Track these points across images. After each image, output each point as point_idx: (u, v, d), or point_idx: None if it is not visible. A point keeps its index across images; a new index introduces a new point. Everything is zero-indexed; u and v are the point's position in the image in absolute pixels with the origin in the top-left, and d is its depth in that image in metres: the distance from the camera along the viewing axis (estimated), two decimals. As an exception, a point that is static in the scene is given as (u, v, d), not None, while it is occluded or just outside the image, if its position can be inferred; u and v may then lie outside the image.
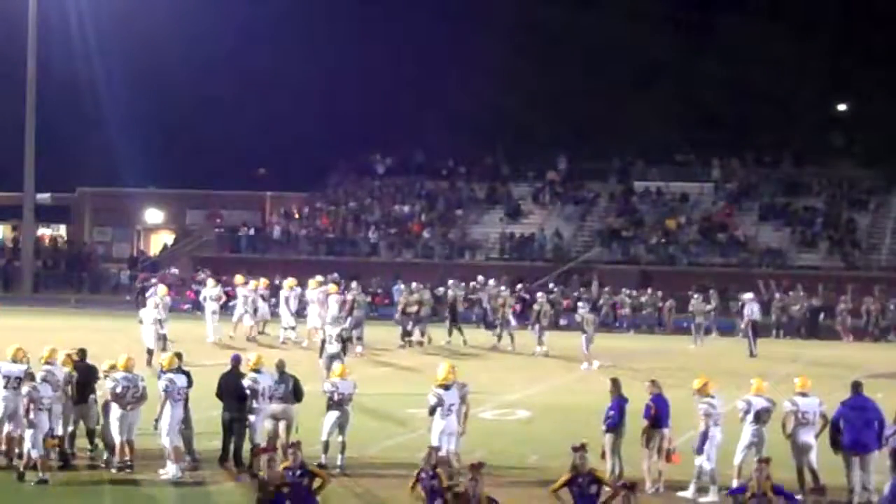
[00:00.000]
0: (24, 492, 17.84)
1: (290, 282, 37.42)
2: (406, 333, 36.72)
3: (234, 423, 19.17)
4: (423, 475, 14.13)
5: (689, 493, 17.95)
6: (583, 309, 34.05)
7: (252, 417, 19.03)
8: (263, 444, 18.55)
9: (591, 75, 68.80)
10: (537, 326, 35.90)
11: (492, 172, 63.38)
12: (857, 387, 18.20)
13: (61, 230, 70.28)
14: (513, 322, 37.34)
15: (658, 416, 18.41)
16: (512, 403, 25.47)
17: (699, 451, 17.90)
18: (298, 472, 13.96)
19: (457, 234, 57.93)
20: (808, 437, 18.04)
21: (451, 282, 41.77)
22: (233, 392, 19.35)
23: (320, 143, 65.22)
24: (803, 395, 18.31)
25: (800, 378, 18.80)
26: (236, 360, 20.09)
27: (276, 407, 19.19)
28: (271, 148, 69.20)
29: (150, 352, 30.19)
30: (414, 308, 36.77)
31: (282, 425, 19.10)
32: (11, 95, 57.32)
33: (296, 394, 19.30)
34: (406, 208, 60.95)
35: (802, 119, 66.93)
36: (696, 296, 41.99)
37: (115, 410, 18.80)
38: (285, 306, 36.45)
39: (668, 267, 53.69)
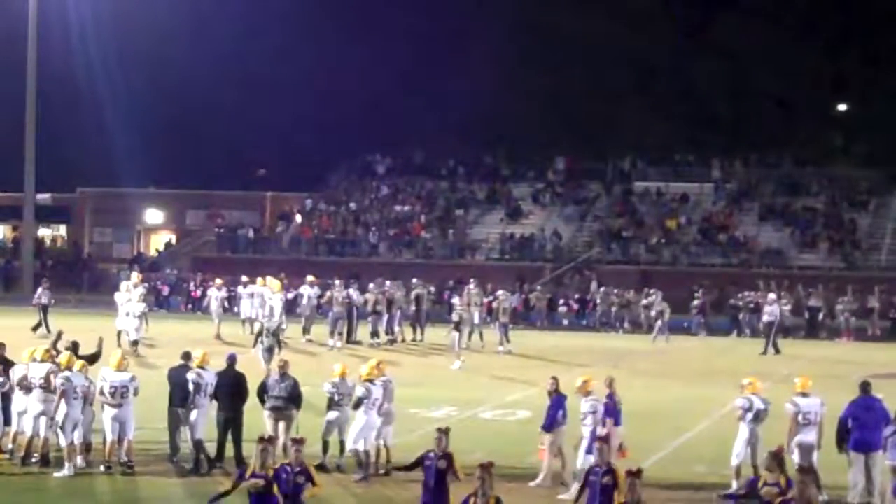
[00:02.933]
0: (21, 491, 17.82)
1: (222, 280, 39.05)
2: (375, 333, 37.21)
3: (231, 423, 19.18)
4: (430, 455, 14.24)
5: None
6: (460, 307, 34.31)
7: (193, 413, 19.00)
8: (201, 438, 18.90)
9: (592, 75, 68.89)
10: (497, 324, 36.24)
11: (492, 173, 63.37)
12: (865, 387, 18.14)
13: (61, 230, 70.28)
14: (476, 320, 37.60)
15: (613, 415, 18.57)
16: (512, 404, 25.46)
17: (589, 450, 17.66)
18: (297, 470, 13.90)
19: (457, 234, 57.90)
20: (809, 437, 18.01)
21: (414, 280, 41.96)
22: (228, 391, 19.35)
23: (320, 144, 65.26)
24: (804, 395, 18.28)
25: (800, 378, 18.74)
26: (232, 360, 20.13)
27: (277, 405, 19.16)
28: (271, 148, 69.24)
29: (134, 343, 32.23)
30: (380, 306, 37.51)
31: (281, 425, 19.07)
32: (11, 96, 57.31)
33: (294, 398, 19.24)
34: (406, 208, 60.93)
35: (802, 119, 66.99)
36: (654, 292, 42.30)
37: (108, 410, 18.78)
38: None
39: (668, 267, 53.66)
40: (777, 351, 37.56)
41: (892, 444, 16.75)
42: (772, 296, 39.88)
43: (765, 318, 38.67)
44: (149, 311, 35.50)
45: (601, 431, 18.20)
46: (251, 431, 19.15)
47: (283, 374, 19.43)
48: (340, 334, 35.91)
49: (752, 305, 44.47)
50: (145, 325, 33.87)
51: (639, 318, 45.04)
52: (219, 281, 39.42)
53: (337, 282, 38.02)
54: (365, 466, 18.57)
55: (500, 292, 38.93)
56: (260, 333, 29.07)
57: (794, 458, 17.76)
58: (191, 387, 19.02)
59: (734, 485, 17.69)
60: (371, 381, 18.78)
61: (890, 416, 17.56)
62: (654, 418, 24.12)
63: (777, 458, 13.94)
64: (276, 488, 13.35)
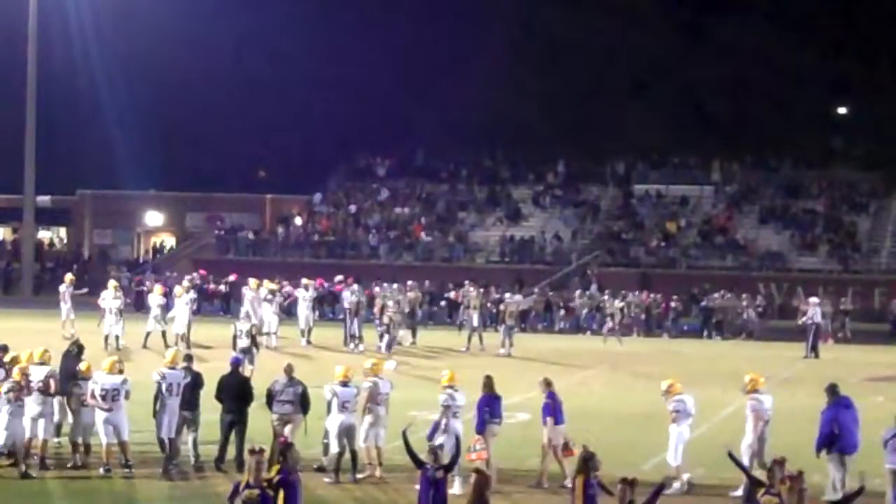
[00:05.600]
0: (20, 493, 17.82)
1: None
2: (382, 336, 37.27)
3: (234, 425, 19.21)
4: (427, 467, 14.24)
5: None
6: (392, 310, 34.37)
7: (160, 411, 19.10)
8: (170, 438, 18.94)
9: (591, 78, 68.89)
10: (503, 327, 36.35)
11: (492, 175, 63.33)
12: (835, 388, 18.27)
13: (61, 233, 70.22)
14: (475, 322, 37.55)
15: (555, 413, 18.80)
16: (512, 406, 25.36)
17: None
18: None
19: (457, 236, 57.88)
20: (766, 433, 18.31)
21: (409, 283, 41.98)
22: (232, 394, 19.38)
23: (320, 146, 65.23)
24: (758, 392, 18.54)
25: (753, 375, 18.94)
26: (236, 363, 20.25)
27: (284, 409, 19.17)
28: (271, 150, 69.21)
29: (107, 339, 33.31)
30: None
31: (287, 428, 19.06)
32: (12, 98, 57.30)
33: (303, 402, 19.26)
34: (406, 211, 60.90)
35: (802, 122, 66.94)
36: (607, 297, 42.28)
37: (100, 413, 18.79)
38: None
39: (667, 270, 53.63)
40: (816, 355, 37.52)
41: (891, 447, 16.76)
42: (813, 299, 39.79)
43: (806, 321, 38.54)
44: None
45: (546, 435, 18.49)
46: (254, 434, 19.24)
47: (291, 378, 19.43)
48: (361, 339, 36.02)
49: (759, 309, 44.50)
50: (122, 323, 34.17)
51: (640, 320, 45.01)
52: (186, 283, 39.16)
53: (355, 287, 38.35)
54: (335, 470, 18.58)
55: (506, 295, 38.93)
56: (236, 337, 29.17)
57: (747, 457, 18.00)
58: (154, 386, 19.13)
59: (685, 478, 17.82)
60: (344, 383, 18.83)
61: (858, 415, 17.72)
62: (654, 420, 24.09)
63: (782, 467, 13.96)
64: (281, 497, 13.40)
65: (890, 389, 29.27)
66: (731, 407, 22.58)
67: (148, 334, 34.33)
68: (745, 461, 17.90)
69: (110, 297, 34.33)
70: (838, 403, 17.93)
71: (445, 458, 16.63)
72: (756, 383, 18.71)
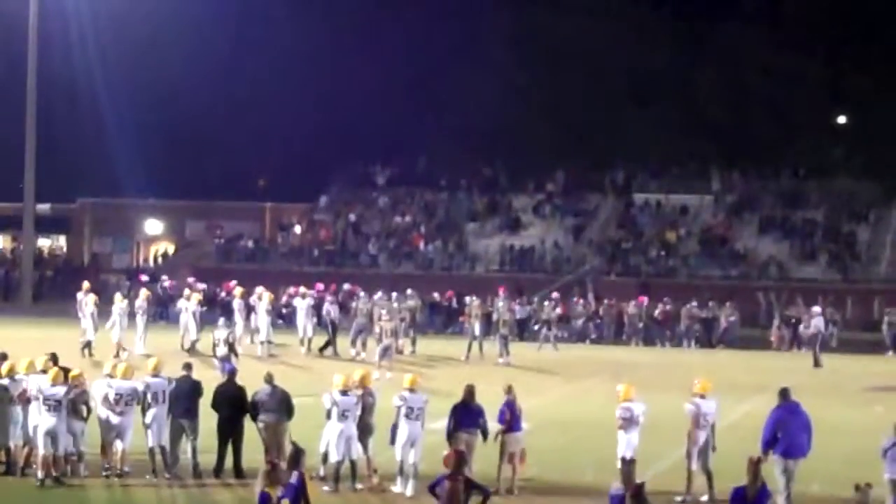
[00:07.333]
0: (19, 499, 17.83)
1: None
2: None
3: (230, 434, 19.24)
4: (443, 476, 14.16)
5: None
6: (384, 319, 34.48)
7: (148, 417, 19.20)
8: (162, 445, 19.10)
9: (592, 87, 68.93)
10: (497, 336, 36.40)
11: (491, 184, 63.32)
12: (786, 393, 18.34)
13: (61, 241, 70.26)
14: (476, 332, 37.53)
15: (511, 420, 18.92)
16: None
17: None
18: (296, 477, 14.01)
19: (457, 245, 57.89)
20: (707, 438, 18.40)
21: (409, 291, 41.91)
22: (228, 403, 19.41)
23: (320, 154, 65.26)
24: (702, 397, 18.53)
25: (700, 381, 19.05)
26: (232, 372, 20.30)
27: (271, 418, 19.18)
28: (271, 159, 69.27)
29: (88, 343, 33.43)
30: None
31: (276, 438, 19.07)
32: (12, 106, 57.33)
33: (287, 409, 19.30)
34: (406, 219, 60.89)
35: (802, 131, 66.99)
36: (545, 304, 42.16)
37: (111, 417, 18.84)
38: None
39: (667, 279, 53.62)
40: (817, 363, 37.55)
41: (891, 457, 16.79)
42: (816, 308, 39.75)
43: (810, 330, 38.51)
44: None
45: (514, 445, 18.68)
46: (249, 443, 19.26)
47: (273, 386, 19.46)
48: (364, 344, 35.97)
49: (793, 321, 44.31)
50: (94, 328, 34.34)
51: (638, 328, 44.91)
52: (191, 292, 38.97)
53: (361, 293, 38.41)
54: (334, 479, 18.59)
55: (499, 304, 38.82)
56: (215, 345, 29.32)
57: (694, 461, 18.24)
58: (139, 395, 19.21)
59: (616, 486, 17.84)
60: (344, 392, 18.85)
61: (810, 421, 17.85)
62: (654, 429, 24.07)
63: (754, 468, 14.06)
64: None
65: (889, 399, 29.27)
66: (729, 418, 22.56)
67: (193, 342, 34.85)
68: (693, 465, 18.13)
69: (90, 304, 34.40)
70: (784, 407, 18.06)
71: (412, 458, 17.35)
72: (704, 387, 18.83)
